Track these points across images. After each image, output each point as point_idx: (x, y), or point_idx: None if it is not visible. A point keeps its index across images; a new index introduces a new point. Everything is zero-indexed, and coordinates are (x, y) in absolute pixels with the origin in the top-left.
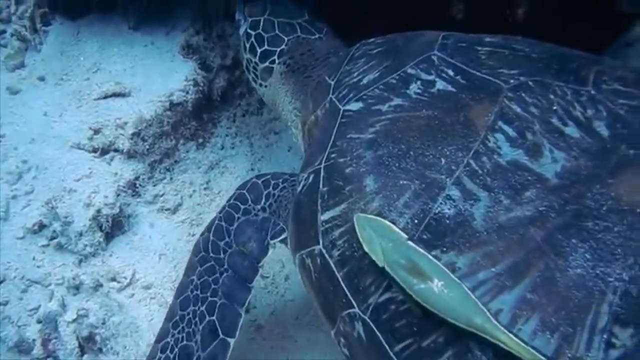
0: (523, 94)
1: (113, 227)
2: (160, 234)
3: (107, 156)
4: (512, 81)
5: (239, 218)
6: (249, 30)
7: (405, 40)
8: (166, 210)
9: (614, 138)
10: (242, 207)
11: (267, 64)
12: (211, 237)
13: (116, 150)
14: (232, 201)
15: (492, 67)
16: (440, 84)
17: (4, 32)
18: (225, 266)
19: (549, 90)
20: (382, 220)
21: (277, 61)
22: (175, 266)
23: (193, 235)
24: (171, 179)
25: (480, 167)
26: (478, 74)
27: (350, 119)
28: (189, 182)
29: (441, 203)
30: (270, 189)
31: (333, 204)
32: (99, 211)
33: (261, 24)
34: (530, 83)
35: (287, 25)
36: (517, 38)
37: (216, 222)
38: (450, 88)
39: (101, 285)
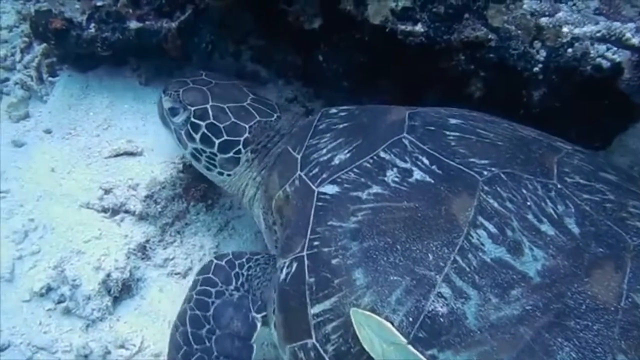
0: (498, 188)
1: (122, 291)
2: (170, 299)
3: (118, 217)
4: (485, 172)
5: (213, 302)
6: (194, 120)
7: (370, 117)
8: (176, 274)
9: (584, 236)
10: (214, 290)
11: (230, 154)
12: (189, 329)
13: (127, 212)
14: (199, 287)
15: (463, 155)
16: (417, 174)
17: (7, 80)
18: (215, 354)
19: (520, 184)
20: (381, 320)
21: (242, 151)
22: None
23: None
24: (181, 242)
25: (467, 265)
26: (452, 163)
27: (327, 203)
28: (199, 246)
29: (434, 301)
30: (237, 269)
31: (323, 296)
32: (108, 275)
33: (209, 112)
34: (503, 176)
35: (240, 109)
36: (474, 114)
37: (189, 312)
38: (428, 179)
39: (109, 353)
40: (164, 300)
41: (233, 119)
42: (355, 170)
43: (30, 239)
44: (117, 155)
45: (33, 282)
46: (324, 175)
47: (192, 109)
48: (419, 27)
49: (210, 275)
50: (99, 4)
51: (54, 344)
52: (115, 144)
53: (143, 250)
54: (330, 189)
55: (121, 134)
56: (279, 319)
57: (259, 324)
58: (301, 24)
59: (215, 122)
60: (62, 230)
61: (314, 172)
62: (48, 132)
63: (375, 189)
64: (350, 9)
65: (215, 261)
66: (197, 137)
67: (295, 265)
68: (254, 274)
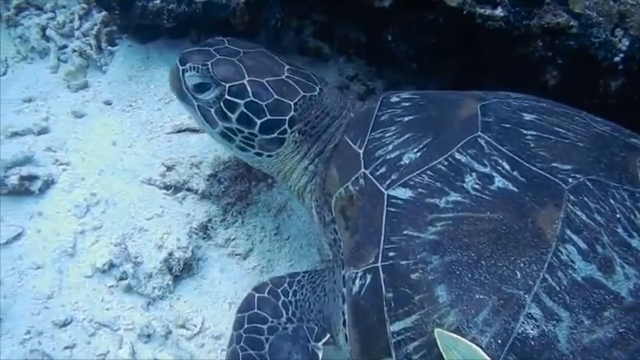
0: (585, 198)
1: (183, 270)
2: (230, 280)
3: (180, 195)
4: (570, 180)
5: (267, 339)
6: (230, 98)
7: (438, 110)
8: (237, 255)
9: None
10: (265, 326)
11: (275, 135)
12: None
13: (189, 190)
14: (247, 325)
15: (544, 159)
16: (499, 181)
17: (65, 47)
18: None
19: (607, 194)
20: (470, 343)
21: (288, 131)
22: None
23: None
24: (243, 222)
25: (557, 284)
26: (534, 169)
27: (400, 209)
28: (260, 227)
29: (523, 322)
30: (283, 297)
31: (403, 314)
32: (170, 254)
33: (248, 88)
34: (589, 184)
35: (281, 84)
36: (543, 105)
37: (241, 353)
38: (511, 187)
39: (170, 333)
40: (224, 281)
41: (276, 96)
42: (428, 172)
43: (92, 213)
44: (179, 132)
45: (95, 258)
46: (393, 176)
47: (227, 85)
48: (498, 11)
49: (257, 310)
50: None
51: (116, 321)
52: (177, 120)
53: (205, 230)
54: (402, 193)
55: (182, 109)
56: (354, 335)
57: (320, 353)
58: (370, 1)
59: (255, 99)
60: (124, 205)
61: (380, 171)
62: (108, 103)
63: (454, 196)
64: None
65: (256, 294)
66: (234, 116)
67: (369, 277)
68: (302, 298)
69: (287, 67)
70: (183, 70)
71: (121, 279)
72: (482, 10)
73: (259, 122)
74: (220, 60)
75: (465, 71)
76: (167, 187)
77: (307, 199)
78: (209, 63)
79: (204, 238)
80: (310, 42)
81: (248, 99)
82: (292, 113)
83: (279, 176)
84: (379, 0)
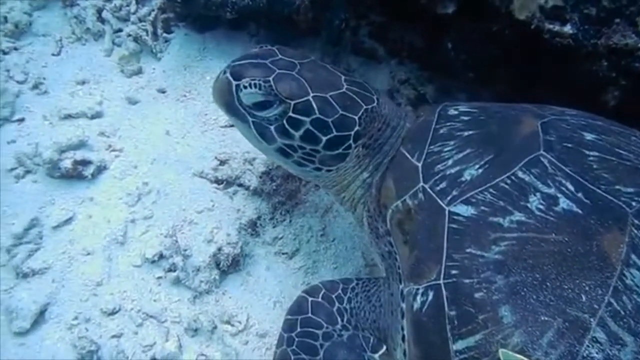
0: None
1: (230, 265)
2: (276, 279)
3: (231, 190)
4: (633, 203)
5: (322, 345)
6: (294, 116)
7: (499, 125)
8: (283, 254)
9: None
10: (320, 332)
11: (339, 151)
12: None
13: (241, 185)
14: (300, 329)
15: (608, 181)
16: (563, 202)
17: (120, 30)
18: None
19: None
20: None
21: (353, 146)
22: None
23: (308, 284)
24: (290, 221)
25: (622, 308)
26: (598, 191)
27: (462, 226)
28: (308, 227)
29: (588, 345)
30: (337, 304)
31: (466, 332)
32: (220, 249)
33: (313, 105)
34: None
35: (343, 98)
36: (599, 124)
37: (293, 356)
38: (575, 208)
39: (216, 328)
40: (270, 279)
41: (341, 111)
42: (491, 190)
43: (143, 202)
44: (233, 125)
45: (145, 248)
46: (454, 192)
47: (292, 102)
48: (567, 28)
49: (310, 315)
50: None
51: (163, 313)
52: None
53: (253, 227)
54: (464, 210)
55: None
56: (416, 352)
57: None
58: (433, 7)
59: (322, 117)
60: (175, 196)
61: (440, 186)
62: (162, 91)
63: (518, 216)
64: (494, 0)
65: (309, 298)
66: (298, 134)
67: (431, 294)
68: (357, 306)
69: (343, 77)
70: (238, 85)
71: (169, 270)
72: (550, 26)
73: (324, 139)
74: (282, 76)
75: (521, 83)
76: (218, 181)
77: (358, 209)
78: (271, 79)
79: (252, 235)
80: (366, 43)
81: (314, 116)
82: (357, 128)
83: (333, 190)
84: (442, 7)
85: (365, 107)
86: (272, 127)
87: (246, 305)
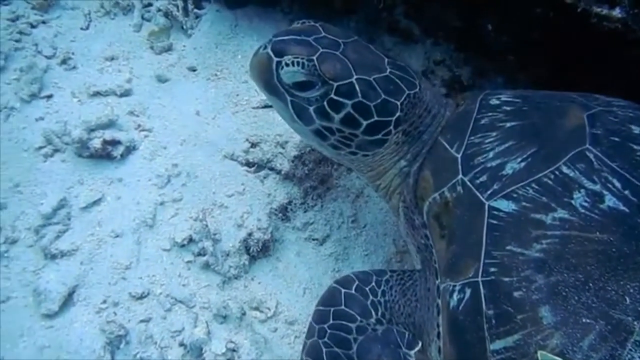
0: None
1: (260, 251)
2: (306, 265)
3: (262, 173)
4: None
5: (356, 339)
6: (336, 98)
7: (543, 116)
8: (314, 240)
9: None
10: (354, 325)
11: (379, 136)
12: None
13: (272, 169)
14: (333, 321)
15: None
16: (609, 200)
17: (150, 5)
18: None
19: None
20: None
21: (393, 132)
22: None
23: (338, 271)
24: (322, 206)
25: None
26: None
27: (502, 222)
28: (339, 213)
29: (631, 350)
30: (372, 297)
31: (504, 332)
32: (250, 234)
33: (356, 88)
34: None
35: (386, 81)
36: None
37: (325, 349)
38: (621, 207)
39: (245, 314)
40: (299, 265)
41: (383, 95)
42: (534, 185)
43: (172, 184)
44: (265, 107)
45: (175, 232)
46: (495, 187)
47: (336, 84)
48: (616, 12)
49: (344, 307)
50: None
51: (192, 298)
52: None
53: (284, 212)
54: (505, 205)
55: None
56: (451, 351)
57: None
58: None
59: (364, 100)
60: (205, 179)
61: (481, 179)
62: (192, 69)
63: (561, 213)
64: None
65: (342, 289)
66: (338, 116)
67: (468, 291)
68: (391, 300)
69: (387, 60)
70: (279, 63)
71: (199, 254)
72: (598, 10)
73: (365, 123)
74: (326, 55)
75: (563, 68)
76: (249, 164)
77: (394, 199)
78: (315, 58)
79: (282, 220)
80: (402, 22)
81: (357, 100)
82: (398, 113)
83: (368, 175)
84: None
85: (407, 92)
86: (311, 108)
87: (275, 292)
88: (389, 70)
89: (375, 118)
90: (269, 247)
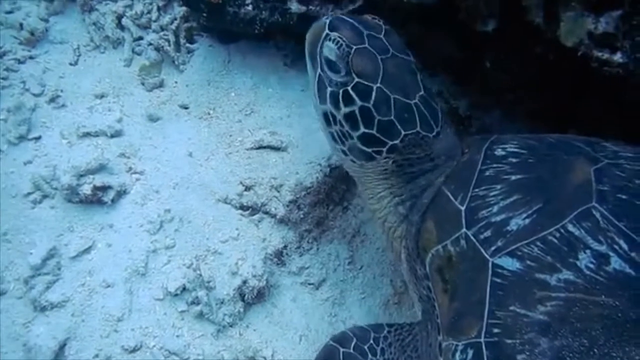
0: None
1: (255, 297)
2: (302, 311)
3: (256, 217)
4: None
5: None
6: (350, 92)
7: (549, 170)
8: (310, 284)
9: None
10: None
11: (369, 150)
12: None
13: (267, 213)
14: None
15: None
16: (615, 262)
17: (141, 39)
18: None
19: None
20: None
21: (384, 155)
22: (316, 351)
23: (335, 316)
24: (317, 249)
25: None
26: None
27: (507, 281)
28: (335, 255)
29: None
30: (370, 355)
31: None
32: (245, 282)
33: (373, 95)
34: None
35: (405, 108)
36: None
37: None
38: (628, 269)
39: None
40: (295, 311)
41: (392, 117)
42: (539, 244)
43: (165, 230)
44: (259, 148)
45: (168, 281)
46: (500, 243)
47: (356, 80)
48: (617, 57)
49: None
50: None
51: (186, 349)
52: (258, 135)
53: (279, 256)
54: (510, 264)
55: (264, 123)
56: None
57: None
58: (472, 23)
59: (373, 110)
60: (198, 224)
61: (485, 234)
62: (185, 107)
63: (567, 274)
64: (539, 22)
65: (341, 349)
66: (343, 110)
67: (470, 352)
68: (391, 358)
69: (421, 93)
70: (327, 35)
71: (193, 303)
72: (599, 54)
73: (362, 130)
74: (365, 52)
75: (563, 108)
76: (243, 208)
77: (396, 244)
78: (353, 48)
79: (277, 264)
80: None
81: (366, 104)
82: (396, 141)
83: (366, 194)
84: (482, 24)
85: (418, 130)
86: (329, 89)
87: (271, 339)
88: (414, 101)
89: (374, 132)
90: (264, 294)
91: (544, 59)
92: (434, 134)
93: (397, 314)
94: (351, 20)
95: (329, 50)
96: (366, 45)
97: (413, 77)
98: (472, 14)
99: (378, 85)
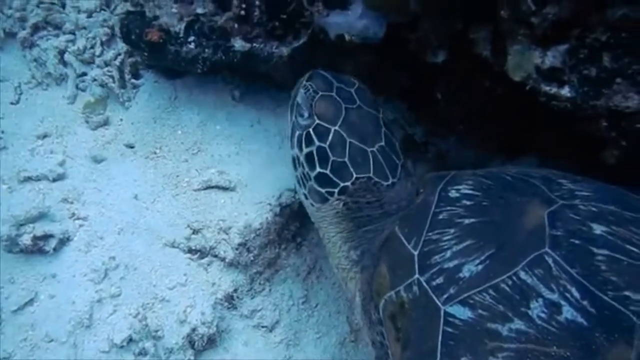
0: None
1: (205, 344)
2: (255, 355)
3: (205, 260)
4: None
5: None
6: (311, 133)
7: (503, 216)
8: (263, 327)
9: None
10: None
11: (323, 190)
12: None
13: (216, 256)
14: None
15: (616, 286)
16: (567, 311)
17: (85, 74)
18: None
19: None
20: None
21: (336, 196)
22: None
23: (289, 358)
24: (270, 290)
25: None
26: (605, 298)
27: (458, 331)
28: (288, 295)
29: None
30: None
31: None
32: (194, 329)
33: (330, 136)
34: None
35: (360, 153)
36: (615, 209)
37: None
38: (579, 319)
39: None
40: (248, 355)
41: (346, 159)
42: (491, 292)
43: (110, 278)
44: (207, 188)
45: (113, 332)
46: (452, 290)
47: (317, 122)
48: (565, 91)
49: None
50: (199, 11)
51: None
52: (206, 174)
53: (230, 300)
54: (461, 312)
55: (212, 161)
56: None
57: None
58: (422, 55)
59: (328, 150)
60: (145, 271)
61: (437, 281)
62: (130, 146)
63: (518, 324)
64: (487, 56)
65: None
66: (305, 151)
67: None
68: None
69: (381, 144)
70: (302, 84)
71: (140, 354)
72: (547, 88)
73: (317, 170)
74: (329, 98)
75: (515, 139)
76: (191, 251)
77: (350, 285)
78: (319, 94)
79: (228, 308)
80: None
81: (323, 145)
82: (348, 184)
83: (321, 235)
84: (432, 55)
85: (371, 175)
86: (297, 133)
87: None
88: (372, 149)
89: (327, 171)
90: (215, 340)
91: (493, 92)
92: (389, 183)
93: (354, 352)
94: (326, 74)
95: (300, 96)
96: (332, 93)
97: (376, 129)
98: (422, 45)
99: (336, 128)
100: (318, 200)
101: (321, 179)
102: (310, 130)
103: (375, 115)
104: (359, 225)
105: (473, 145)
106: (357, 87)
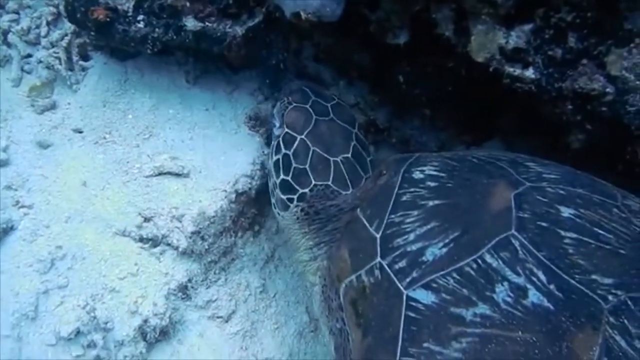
0: (625, 321)
1: (158, 336)
2: (210, 347)
3: (157, 249)
4: (610, 297)
5: None
6: (280, 142)
7: (468, 198)
8: (218, 318)
9: None
10: None
11: (284, 197)
12: None
13: (168, 245)
14: None
15: (584, 270)
16: (533, 295)
17: (30, 56)
18: None
19: None
20: None
21: (295, 203)
22: None
23: (246, 349)
24: (226, 280)
25: None
26: (572, 282)
27: (421, 316)
28: (245, 285)
29: None
30: None
31: None
32: (145, 321)
33: (295, 144)
34: (630, 303)
35: (321, 162)
36: (583, 192)
37: None
38: (546, 303)
39: None
40: (203, 347)
41: (307, 167)
42: (455, 275)
43: (57, 269)
44: (159, 174)
45: (60, 324)
46: (415, 274)
47: (285, 130)
48: (529, 73)
49: None
50: None
51: None
52: (158, 160)
53: (184, 290)
54: (424, 297)
55: (164, 147)
56: None
57: None
58: (383, 37)
59: (292, 157)
60: (93, 261)
61: (400, 264)
62: (78, 131)
63: (483, 308)
64: (449, 36)
65: None
66: (273, 159)
67: None
68: None
69: (347, 155)
70: (284, 90)
71: (89, 347)
72: (511, 70)
73: (281, 177)
74: (301, 109)
75: (480, 120)
76: (142, 240)
77: (309, 274)
78: (292, 105)
79: (182, 299)
80: (310, 67)
81: (288, 152)
82: (306, 190)
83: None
84: (393, 36)
85: (329, 183)
86: (272, 144)
87: None
88: (336, 159)
89: (289, 178)
90: (168, 331)
91: (457, 74)
92: (348, 193)
93: (313, 342)
94: (307, 89)
95: (276, 106)
96: (307, 106)
97: (345, 142)
98: (382, 26)
99: (302, 137)
100: (282, 208)
101: (283, 186)
102: (280, 139)
103: (349, 130)
104: (320, 227)
105: (437, 129)
106: (335, 103)
